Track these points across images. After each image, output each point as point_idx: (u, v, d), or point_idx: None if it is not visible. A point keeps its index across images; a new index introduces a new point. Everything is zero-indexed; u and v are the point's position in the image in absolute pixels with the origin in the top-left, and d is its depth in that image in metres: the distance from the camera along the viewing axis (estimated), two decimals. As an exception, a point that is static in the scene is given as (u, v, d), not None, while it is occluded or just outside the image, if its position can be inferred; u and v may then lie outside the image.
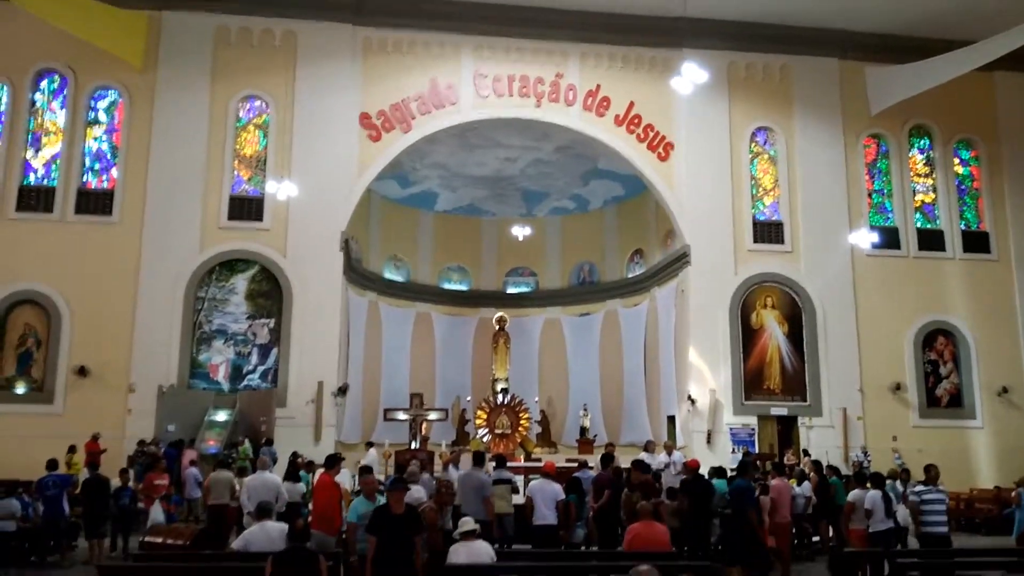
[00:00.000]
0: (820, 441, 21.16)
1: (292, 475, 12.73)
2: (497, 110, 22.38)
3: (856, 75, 23.73)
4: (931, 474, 10.20)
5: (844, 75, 23.74)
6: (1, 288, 20.07)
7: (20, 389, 19.93)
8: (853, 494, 10.88)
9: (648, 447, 16.28)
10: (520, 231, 26.68)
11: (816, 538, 13.77)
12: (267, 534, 7.96)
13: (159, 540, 9.93)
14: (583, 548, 10.96)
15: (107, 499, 12.29)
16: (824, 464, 14.92)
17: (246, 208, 21.27)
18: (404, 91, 22.00)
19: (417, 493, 9.59)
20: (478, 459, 11.09)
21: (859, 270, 22.83)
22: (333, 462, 10.07)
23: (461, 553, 7.70)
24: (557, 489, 10.69)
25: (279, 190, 19.53)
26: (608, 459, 12.06)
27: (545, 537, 10.37)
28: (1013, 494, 13.03)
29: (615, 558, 8.67)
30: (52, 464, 12.84)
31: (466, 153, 25.38)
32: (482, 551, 7.76)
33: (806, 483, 13.76)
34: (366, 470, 11.81)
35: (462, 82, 22.30)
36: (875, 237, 22.31)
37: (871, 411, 22.00)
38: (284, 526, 8.12)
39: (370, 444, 20.42)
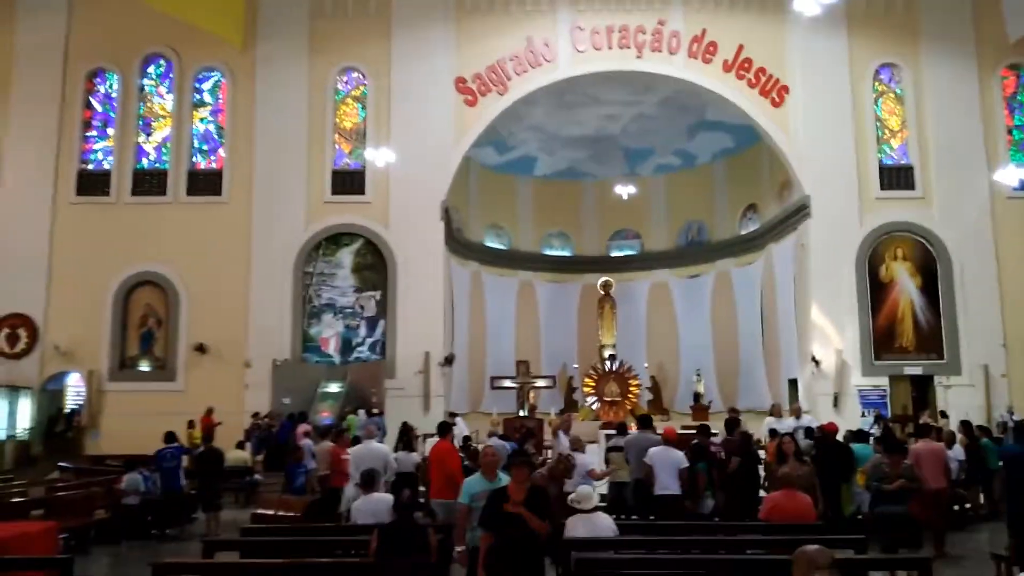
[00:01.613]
0: (959, 401, 19.53)
1: (406, 444, 12.45)
2: (596, 64, 21.44)
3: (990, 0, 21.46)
4: None
5: (976, 1, 21.51)
6: (122, 271, 20.82)
7: (144, 367, 20.74)
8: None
9: (774, 411, 15.36)
10: (623, 190, 25.65)
11: (968, 505, 12.52)
12: (373, 505, 7.64)
13: (270, 512, 9.83)
14: (712, 519, 10.18)
15: (221, 471, 12.35)
16: (973, 425, 13.66)
17: (348, 182, 21.33)
18: (499, 52, 21.36)
19: (585, 459, 9.59)
20: (645, 422, 10.91)
21: (999, 214, 20.88)
22: (446, 429, 9.68)
23: (579, 527, 7.14)
24: (679, 457, 9.92)
25: (378, 156, 19.43)
26: (734, 424, 11.24)
27: (668, 508, 9.63)
28: None
29: (749, 531, 7.89)
30: (170, 436, 13.01)
31: (564, 113, 24.54)
32: (602, 524, 7.20)
33: (956, 446, 12.51)
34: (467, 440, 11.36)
35: (559, 37, 21.44)
36: (1023, 173, 20.16)
37: (1016, 368, 20.11)
38: (391, 497, 7.77)
39: (453, 414, 17.84)
